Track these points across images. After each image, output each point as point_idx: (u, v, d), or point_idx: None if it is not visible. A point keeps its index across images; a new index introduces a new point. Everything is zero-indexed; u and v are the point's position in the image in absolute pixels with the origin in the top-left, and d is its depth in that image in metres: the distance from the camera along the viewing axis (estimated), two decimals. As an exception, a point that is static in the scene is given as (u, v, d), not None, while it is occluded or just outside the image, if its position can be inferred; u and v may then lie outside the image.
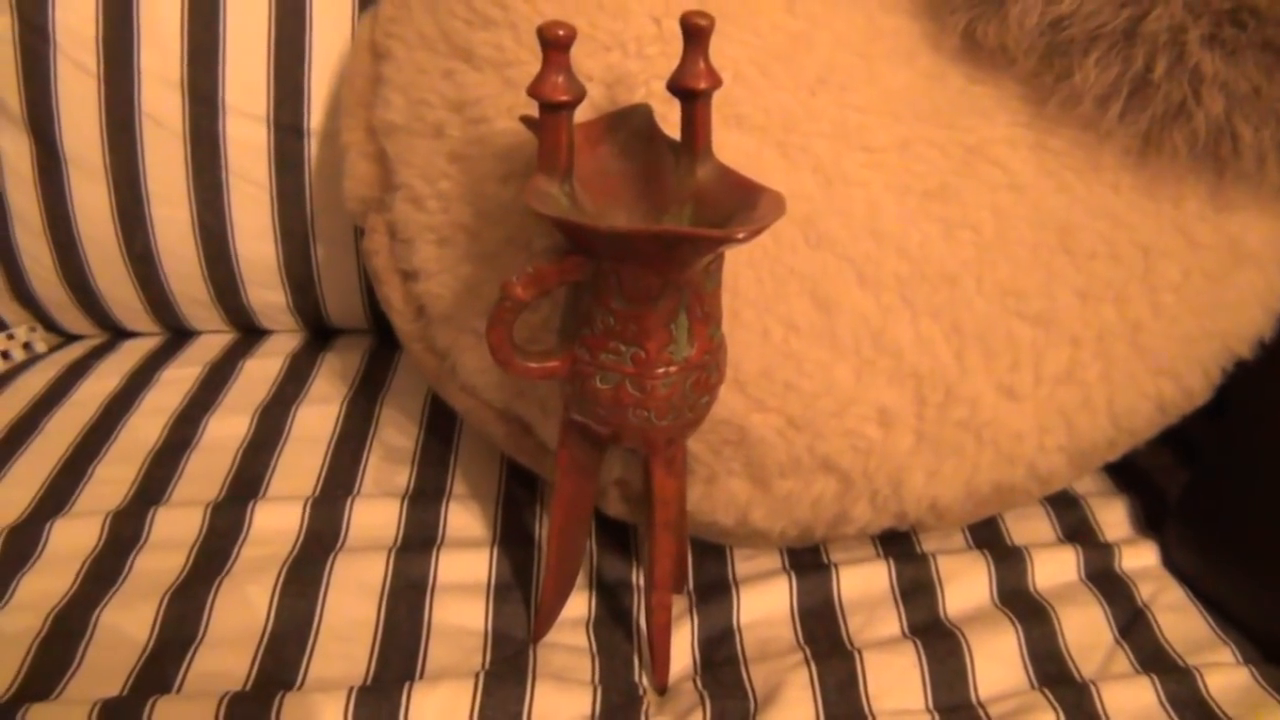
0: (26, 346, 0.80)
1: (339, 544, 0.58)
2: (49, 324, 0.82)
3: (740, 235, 0.37)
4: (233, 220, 0.73)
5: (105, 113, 0.70)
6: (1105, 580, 0.58)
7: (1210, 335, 0.55)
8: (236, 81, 0.70)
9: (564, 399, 0.48)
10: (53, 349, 0.81)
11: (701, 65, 0.45)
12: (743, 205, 0.44)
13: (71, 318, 0.80)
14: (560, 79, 0.43)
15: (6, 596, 0.54)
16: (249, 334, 0.81)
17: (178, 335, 0.81)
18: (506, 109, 0.53)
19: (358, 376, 0.74)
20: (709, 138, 0.47)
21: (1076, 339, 0.53)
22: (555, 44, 0.42)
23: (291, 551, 0.57)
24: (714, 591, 0.56)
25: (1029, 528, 0.62)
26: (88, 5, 0.68)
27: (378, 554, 0.57)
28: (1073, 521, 0.62)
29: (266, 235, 0.73)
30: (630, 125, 0.49)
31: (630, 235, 0.39)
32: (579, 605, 0.55)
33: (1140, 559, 0.59)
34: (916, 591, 0.56)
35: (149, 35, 0.69)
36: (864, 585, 0.57)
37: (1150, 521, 0.62)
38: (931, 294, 0.52)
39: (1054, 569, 0.58)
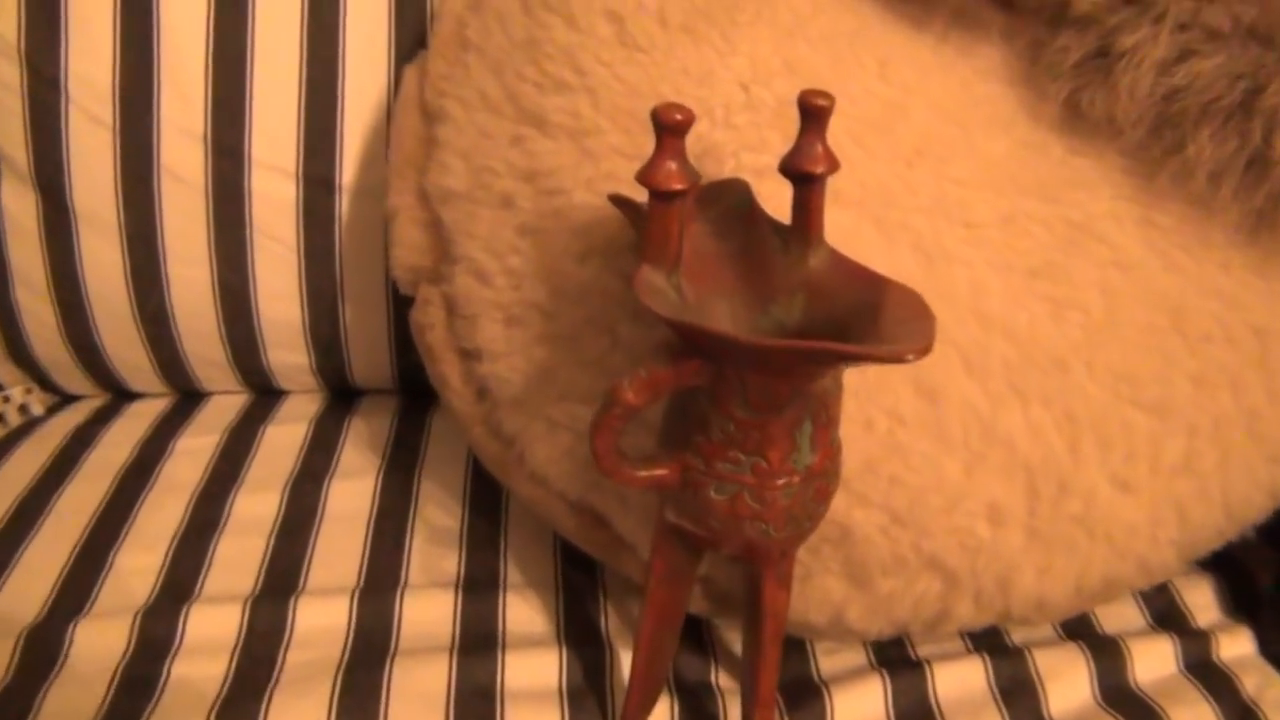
0: (22, 409, 0.75)
1: (393, 645, 0.54)
2: (45, 384, 0.76)
3: (910, 356, 0.34)
4: (256, 280, 0.68)
5: (120, 166, 0.65)
6: (1206, 673, 0.55)
7: (1325, 421, 0.52)
8: (264, 133, 0.65)
9: (662, 503, 0.44)
10: (49, 410, 0.75)
11: (819, 148, 0.42)
12: (864, 300, 0.41)
13: (71, 378, 0.75)
14: (674, 165, 0.39)
15: (33, 714, 0.49)
16: (264, 395, 0.76)
17: (186, 396, 0.76)
18: (585, 181, 0.49)
19: (389, 444, 0.70)
20: (822, 224, 0.43)
21: (1193, 427, 0.50)
22: (672, 129, 0.39)
23: (343, 656, 0.53)
24: (802, 694, 0.52)
25: (1118, 613, 0.59)
26: (104, 53, 0.63)
27: (437, 656, 0.52)
28: (1161, 605, 0.60)
29: (292, 296, 0.69)
30: (725, 201, 0.46)
31: (778, 351, 0.36)
32: (661, 712, 0.51)
33: (1237, 647, 0.57)
34: (1017, 691, 0.53)
35: (170, 84, 0.64)
36: (961, 684, 0.53)
37: (1239, 603, 0.60)
38: (1042, 380, 0.49)
39: (1152, 661, 0.55)
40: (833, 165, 0.42)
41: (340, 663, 0.52)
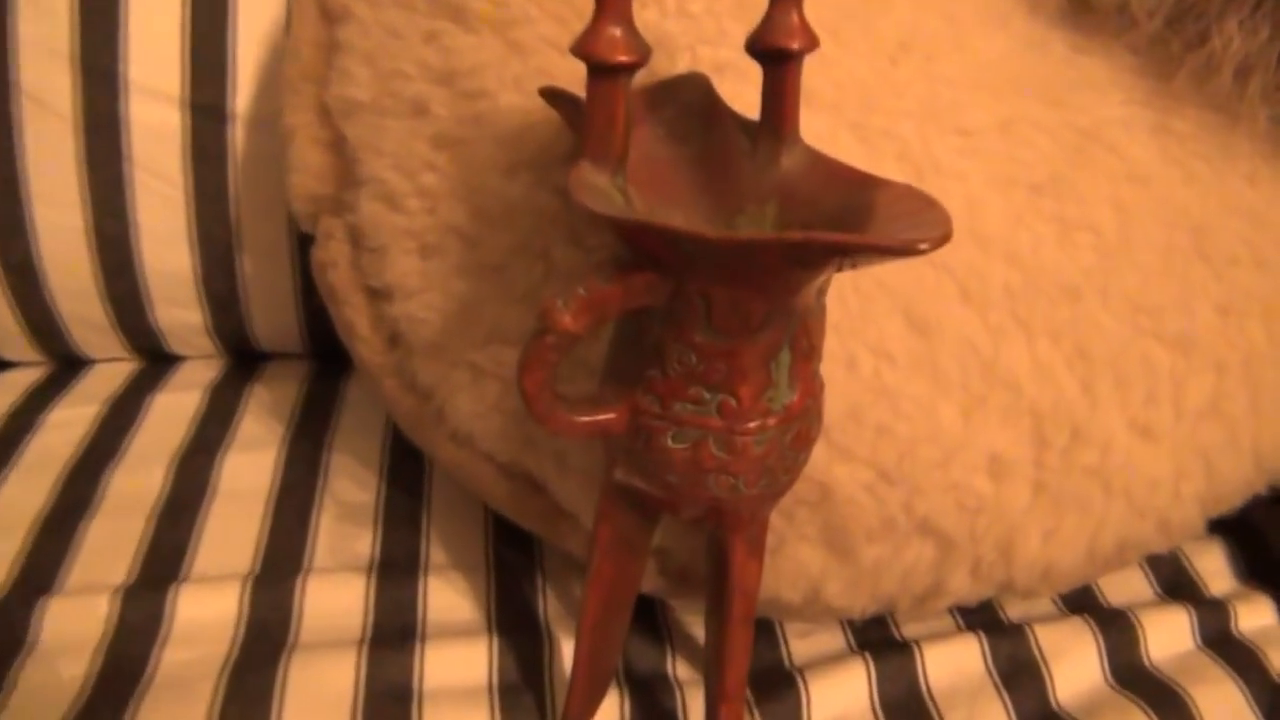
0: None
1: (291, 639, 0.45)
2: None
3: (923, 245, 0.26)
4: (138, 225, 0.59)
5: (-30, 90, 0.56)
6: (1226, 647, 0.48)
7: (1365, 357, 0.46)
8: (141, 52, 0.56)
9: (610, 458, 0.36)
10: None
11: (795, 19, 0.34)
12: (850, 203, 0.33)
13: (-74, 345, 0.65)
14: (618, 32, 0.31)
15: None
16: (156, 361, 0.67)
17: (66, 365, 0.66)
18: (512, 80, 0.41)
19: (296, 412, 0.61)
20: (798, 115, 0.36)
21: (1221, 364, 0.43)
22: None
23: (230, 653, 0.44)
24: (773, 684, 0.45)
25: (1123, 582, 0.52)
26: (-55, -46, 0.54)
27: (344, 651, 0.44)
28: (1169, 572, 0.53)
29: (180, 243, 0.60)
30: (680, 100, 0.38)
31: (756, 246, 0.28)
32: (609, 709, 0.44)
33: (1258, 617, 0.51)
34: (1020, 674, 0.46)
35: (27, -6, 0.55)
36: (955, 668, 0.46)
37: (1254, 569, 0.54)
38: (1050, 311, 0.42)
39: (1167, 636, 0.49)
40: (810, 41, 0.34)
41: (226, 661, 0.44)
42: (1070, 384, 0.42)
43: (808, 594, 0.43)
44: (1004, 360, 0.41)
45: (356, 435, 0.59)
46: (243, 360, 0.67)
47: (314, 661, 0.44)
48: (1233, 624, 0.50)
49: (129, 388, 0.63)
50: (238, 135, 0.58)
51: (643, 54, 0.32)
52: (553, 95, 0.38)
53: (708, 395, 0.32)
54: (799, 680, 0.45)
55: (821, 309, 0.34)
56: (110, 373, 0.65)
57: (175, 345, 0.66)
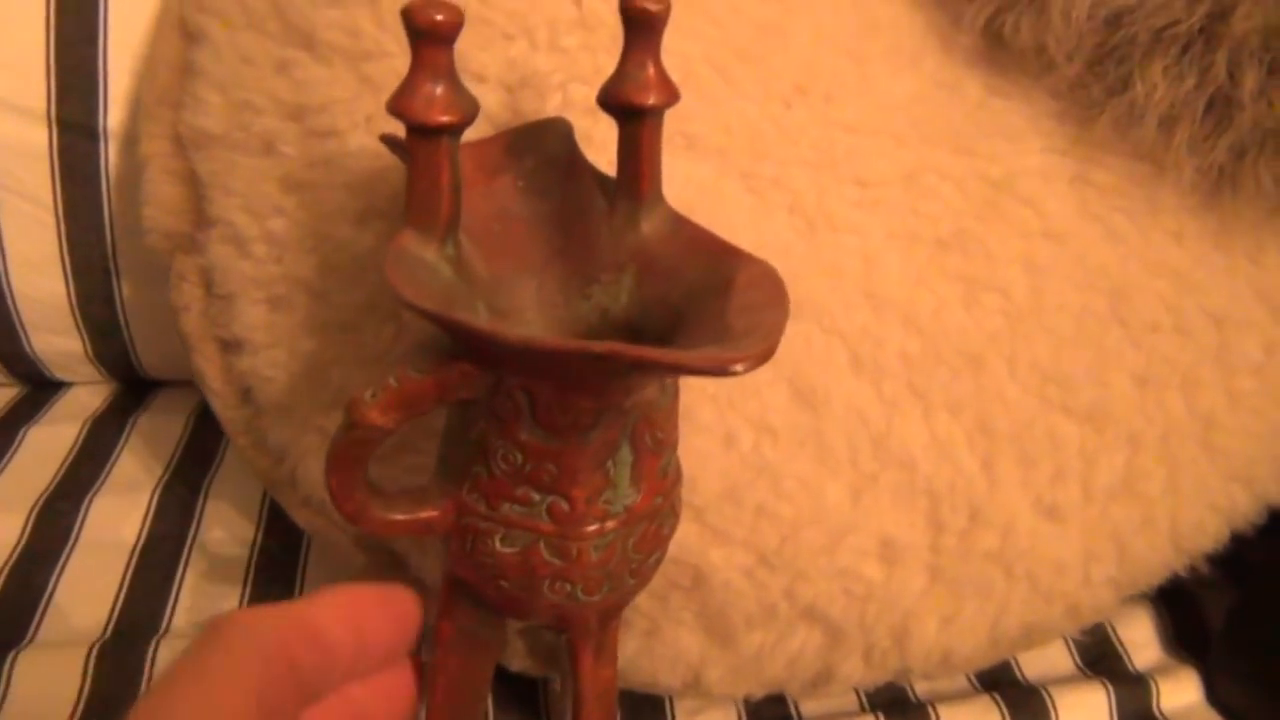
0: None
1: (133, 717, 0.42)
2: None
3: (738, 366, 0.23)
4: (4, 249, 0.55)
5: None
6: (1145, 730, 0.45)
7: (1295, 429, 0.43)
8: (3, 66, 0.52)
9: (447, 553, 0.33)
10: None
11: (650, 72, 0.30)
12: (710, 278, 0.30)
13: None
14: (439, 89, 0.28)
15: None
16: (41, 388, 0.63)
17: (-57, 390, 0.63)
18: (364, 119, 0.38)
19: (179, 450, 0.57)
20: (658, 174, 0.32)
21: (1135, 439, 0.40)
22: (431, 34, 0.27)
23: (63, 733, 0.41)
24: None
25: (1041, 656, 0.49)
26: None
27: (188, 733, 0.41)
28: (1091, 645, 0.50)
29: (53, 267, 0.56)
30: (543, 149, 0.34)
31: (558, 353, 0.24)
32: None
33: (1181, 695, 0.47)
34: (919, 764, 0.43)
35: (-125, 1, 0.51)
36: (851, 755, 0.43)
37: (1183, 640, 0.50)
38: (950, 381, 0.38)
39: (1082, 716, 0.45)
40: (669, 95, 0.31)
41: (57, 744, 0.40)
42: (970, 461, 0.38)
43: (687, 679, 0.40)
44: (898, 436, 0.38)
45: (238, 478, 0.55)
46: (132, 387, 0.64)
47: (152, 745, 0.40)
48: (1154, 703, 0.47)
49: (4, 419, 0.59)
50: (110, 153, 0.54)
51: (467, 112, 0.28)
52: (394, 143, 0.34)
53: (537, 497, 0.29)
54: (680, 768, 0.42)
55: (673, 397, 0.31)
56: (-12, 400, 0.61)
57: (59, 373, 0.62)
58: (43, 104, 0.53)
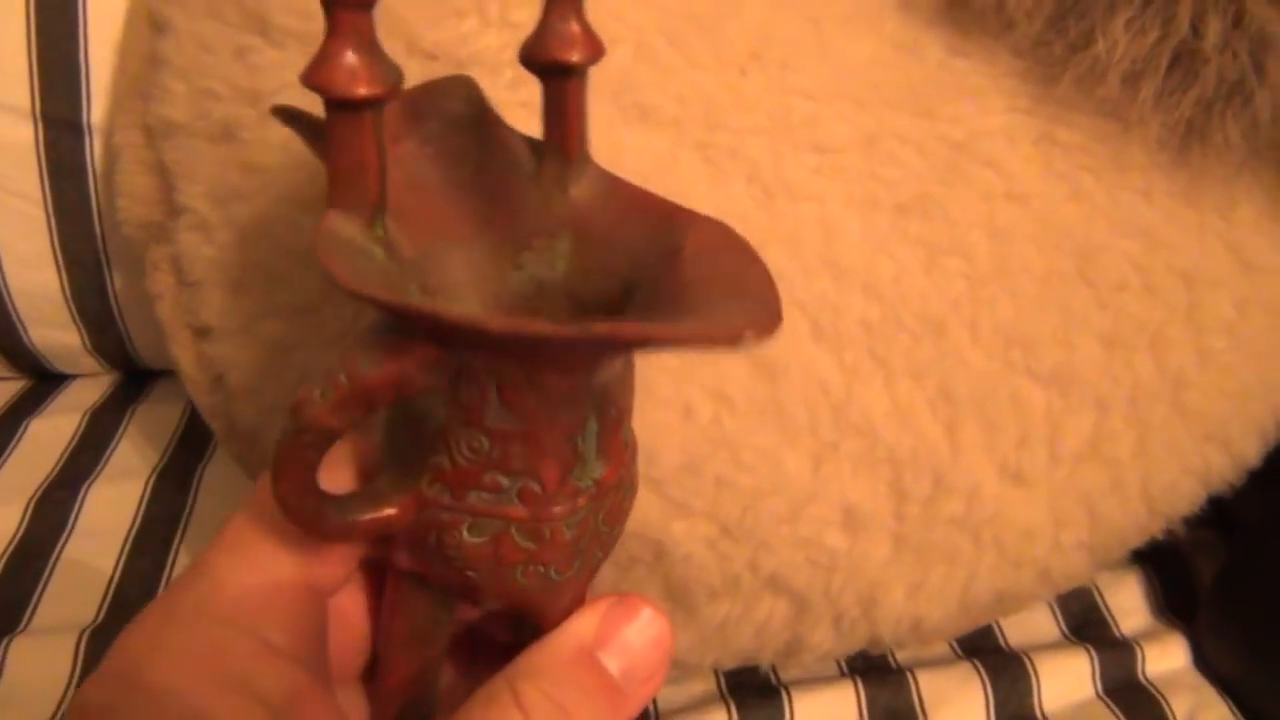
0: None
1: (120, 698, 0.43)
2: None
3: (748, 333, 0.22)
4: (-2, 244, 0.56)
5: None
6: (1129, 695, 0.45)
7: (1271, 387, 0.42)
8: (-14, 64, 0.53)
9: (401, 545, 0.32)
10: None
11: (574, 26, 0.29)
12: (654, 243, 0.29)
13: None
14: (357, 58, 0.27)
15: None
16: (44, 380, 0.64)
17: (-47, 384, 0.64)
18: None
19: (174, 438, 0.58)
20: (585, 133, 0.31)
21: (1103, 402, 0.39)
22: (347, 1, 0.27)
23: (55, 715, 0.42)
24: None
25: (1026, 621, 0.49)
26: None
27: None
28: (1077, 609, 0.50)
29: (45, 262, 0.57)
30: (443, 111, 0.33)
31: (556, 341, 0.24)
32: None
33: (1167, 660, 0.47)
34: (894, 730, 0.43)
35: None
36: (828, 719, 0.43)
37: (1171, 603, 0.50)
38: (911, 348, 0.38)
39: (1064, 684, 0.45)
40: (594, 50, 0.30)
41: (47, 725, 0.41)
42: (933, 428, 0.38)
43: (658, 651, 0.40)
44: (858, 403, 0.37)
45: (230, 462, 0.56)
46: (133, 377, 0.65)
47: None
48: (1139, 668, 0.46)
49: (8, 412, 0.61)
50: (95, 148, 0.55)
51: (389, 84, 0.28)
52: (288, 116, 0.33)
53: (506, 482, 0.28)
54: (655, 738, 0.42)
55: (631, 367, 0.30)
56: (-7, 393, 0.63)
57: (60, 365, 0.63)
58: (27, 101, 0.54)
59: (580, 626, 0.27)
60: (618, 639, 0.27)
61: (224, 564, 0.26)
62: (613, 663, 0.27)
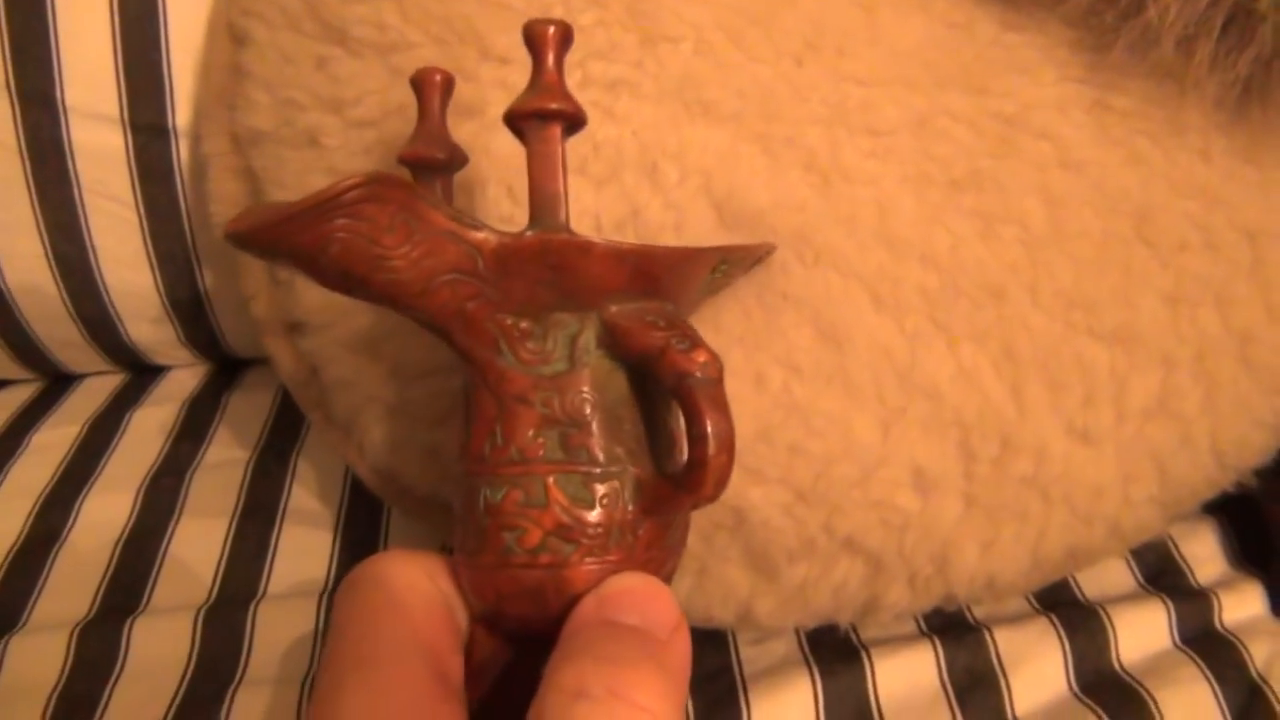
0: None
1: (239, 674, 0.46)
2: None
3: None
4: (95, 246, 0.59)
5: (-88, 128, 0.56)
6: (1206, 644, 0.46)
7: (1338, 337, 0.42)
8: (77, 75, 0.56)
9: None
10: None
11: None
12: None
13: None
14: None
15: None
16: (142, 372, 0.68)
17: (57, 380, 0.68)
18: (396, 108, 0.40)
19: (268, 425, 0.61)
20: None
21: (1169, 358, 0.40)
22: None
23: (178, 690, 0.45)
24: (717, 696, 0.44)
25: (1101, 573, 0.50)
26: None
27: (290, 687, 0.45)
28: (1153, 559, 0.51)
29: (139, 261, 0.60)
30: None
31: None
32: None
33: (1244, 608, 0.48)
34: (975, 687, 0.44)
35: (-43, 28, 0.55)
36: (907, 679, 0.45)
37: (1247, 552, 0.51)
38: (972, 313, 0.39)
39: (1141, 634, 0.46)
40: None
41: (173, 699, 0.44)
42: (997, 389, 0.39)
43: (739, 613, 0.42)
44: (923, 368, 0.39)
45: (322, 447, 0.59)
46: (226, 367, 0.68)
47: (259, 698, 0.44)
48: (1216, 617, 0.47)
49: (111, 403, 0.64)
50: (181, 150, 0.58)
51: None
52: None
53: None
54: (740, 693, 0.44)
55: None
56: (97, 387, 0.66)
57: (157, 358, 0.67)
58: (116, 110, 0.56)
59: (580, 609, 0.28)
60: (613, 591, 0.28)
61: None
62: (628, 617, 0.27)
